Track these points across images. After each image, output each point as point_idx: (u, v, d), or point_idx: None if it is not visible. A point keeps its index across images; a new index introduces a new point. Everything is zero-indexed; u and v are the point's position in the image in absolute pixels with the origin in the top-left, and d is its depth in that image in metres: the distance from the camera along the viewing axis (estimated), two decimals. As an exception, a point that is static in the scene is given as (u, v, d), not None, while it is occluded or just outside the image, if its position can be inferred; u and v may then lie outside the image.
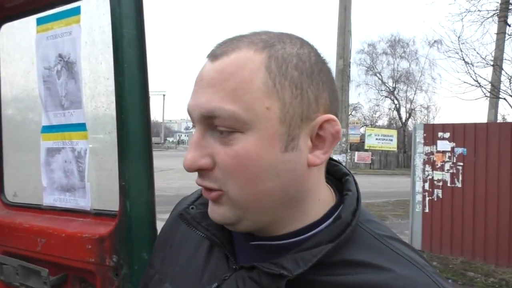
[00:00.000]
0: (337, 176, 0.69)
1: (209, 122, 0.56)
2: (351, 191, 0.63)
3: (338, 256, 0.58)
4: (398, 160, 32.03)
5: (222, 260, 0.66)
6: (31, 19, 1.42)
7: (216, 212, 0.59)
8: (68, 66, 1.30)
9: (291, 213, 0.61)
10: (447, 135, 6.46)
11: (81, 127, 1.30)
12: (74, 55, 1.27)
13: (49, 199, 1.44)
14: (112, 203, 1.24)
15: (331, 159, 0.70)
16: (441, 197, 6.49)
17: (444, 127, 6.59)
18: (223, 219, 0.59)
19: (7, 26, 1.54)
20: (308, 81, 0.57)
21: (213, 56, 0.58)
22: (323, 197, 0.64)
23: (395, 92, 34.51)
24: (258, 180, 0.56)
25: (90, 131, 1.30)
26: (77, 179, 1.34)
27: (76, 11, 1.26)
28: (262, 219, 0.59)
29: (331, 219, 0.61)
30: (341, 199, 0.64)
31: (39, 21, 1.38)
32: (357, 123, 33.35)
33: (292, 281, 0.55)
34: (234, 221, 0.59)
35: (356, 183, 0.65)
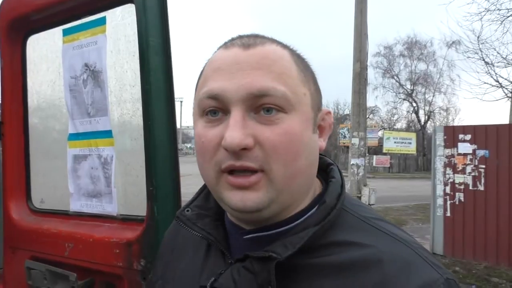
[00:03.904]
0: (322, 167, 0.73)
1: (253, 102, 0.58)
2: (335, 178, 0.68)
3: (325, 239, 0.62)
4: (418, 163, 31.57)
5: (219, 259, 0.69)
6: (57, 30, 1.46)
7: (250, 197, 0.59)
8: (94, 75, 1.32)
9: (299, 199, 0.65)
10: (468, 137, 6.34)
11: (107, 134, 1.32)
12: (100, 64, 1.30)
13: (76, 205, 1.47)
14: (138, 208, 1.26)
15: None
16: (463, 200, 6.36)
17: (465, 129, 6.47)
18: (256, 204, 0.60)
19: (33, 37, 1.58)
20: (315, 78, 0.67)
21: (246, 45, 0.61)
22: (316, 186, 0.70)
23: (413, 95, 34.09)
24: (299, 156, 0.60)
25: (116, 138, 1.32)
26: (104, 185, 1.36)
27: (102, 21, 1.29)
28: (287, 202, 0.63)
29: (317, 205, 0.66)
30: (326, 187, 0.68)
31: (65, 32, 1.42)
32: (375, 126, 32.99)
33: (283, 267, 0.59)
34: (266, 205, 0.60)
35: (340, 172, 0.71)
